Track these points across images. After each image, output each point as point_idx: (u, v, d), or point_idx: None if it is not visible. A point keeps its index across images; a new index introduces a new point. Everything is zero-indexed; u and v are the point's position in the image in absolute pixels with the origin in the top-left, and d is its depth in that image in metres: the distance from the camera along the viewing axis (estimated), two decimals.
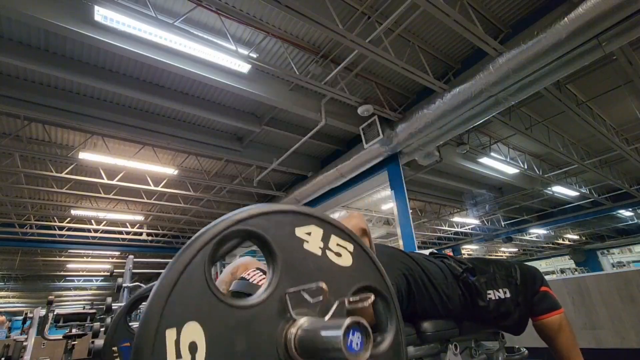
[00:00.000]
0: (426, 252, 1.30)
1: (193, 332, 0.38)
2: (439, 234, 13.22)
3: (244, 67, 3.93)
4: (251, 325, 0.42)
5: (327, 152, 6.51)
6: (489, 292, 1.08)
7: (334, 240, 0.52)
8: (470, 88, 3.77)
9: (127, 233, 10.25)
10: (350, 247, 0.53)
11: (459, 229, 12.38)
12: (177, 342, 0.37)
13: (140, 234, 10.44)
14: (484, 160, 6.39)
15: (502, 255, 19.21)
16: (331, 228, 0.52)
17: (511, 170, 6.91)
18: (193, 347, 0.37)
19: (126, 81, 4.27)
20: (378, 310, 0.55)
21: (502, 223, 11.79)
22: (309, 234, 0.50)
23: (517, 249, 18.56)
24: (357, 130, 4.93)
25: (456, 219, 10.98)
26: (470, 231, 12.94)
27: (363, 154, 5.11)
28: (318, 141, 5.73)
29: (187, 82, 4.50)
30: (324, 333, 0.40)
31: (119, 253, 12.17)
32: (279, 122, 5.44)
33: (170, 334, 0.37)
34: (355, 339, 0.39)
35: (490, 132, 6.20)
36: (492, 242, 14.50)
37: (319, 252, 0.50)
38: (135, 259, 4.36)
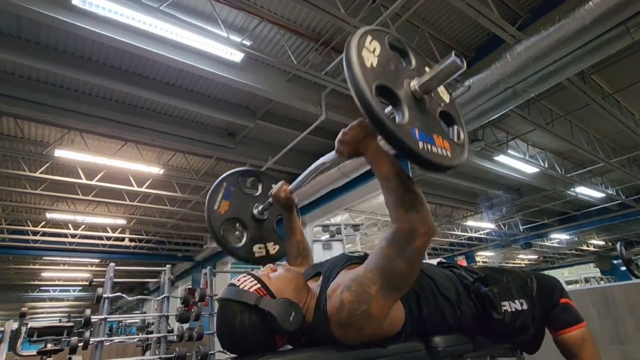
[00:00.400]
0: (434, 261, 1.30)
1: (375, 43, 0.83)
2: (450, 240, 13.23)
3: (237, 56, 3.92)
4: (389, 66, 0.84)
5: (327, 149, 6.39)
6: (503, 303, 1.08)
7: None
8: (485, 79, 3.76)
9: (108, 239, 10.25)
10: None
11: (473, 234, 12.38)
12: (369, 48, 0.81)
13: (122, 239, 10.44)
14: (501, 158, 6.39)
15: (520, 263, 19.22)
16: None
17: (530, 169, 6.91)
18: (373, 49, 0.82)
19: (107, 71, 4.27)
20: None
21: (521, 227, 11.79)
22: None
23: (536, 256, 18.56)
24: None
25: (470, 223, 10.98)
26: (485, 236, 12.94)
27: None
28: (318, 137, 5.72)
29: (174, 73, 4.50)
30: (440, 66, 0.78)
31: (98, 260, 12.17)
32: (275, 117, 5.45)
33: (368, 39, 0.82)
34: (458, 60, 0.76)
35: (508, 127, 6.20)
36: (510, 248, 14.50)
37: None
38: (116, 267, 4.35)
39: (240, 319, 0.83)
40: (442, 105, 0.91)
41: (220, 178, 1.51)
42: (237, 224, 1.50)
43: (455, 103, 0.98)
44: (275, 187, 1.40)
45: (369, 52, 0.81)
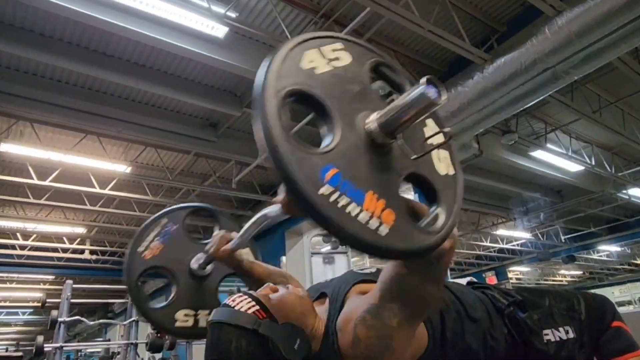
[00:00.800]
0: (463, 281, 1.31)
1: (343, 53, 0.71)
2: (477, 252, 13.23)
3: (220, 31, 3.92)
4: (348, 85, 0.71)
5: None
6: (546, 332, 1.09)
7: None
8: (519, 58, 3.77)
9: (64, 251, 10.25)
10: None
11: (505, 245, 12.37)
12: (325, 52, 0.69)
13: (82, 251, 10.44)
14: (538, 153, 6.40)
15: (561, 280, 19.23)
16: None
17: (574, 167, 6.92)
18: (335, 57, 0.69)
19: (63, 49, 4.27)
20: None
21: (562, 237, 11.80)
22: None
23: (581, 272, 18.56)
24: None
25: (501, 231, 10.97)
26: (519, 248, 12.93)
27: None
28: (317, 129, 5.73)
29: (144, 51, 4.50)
30: (406, 99, 0.63)
31: (53, 277, 12.16)
32: None
33: (335, 45, 0.70)
34: (431, 92, 0.58)
35: (546, 116, 6.20)
36: (549, 262, 14.50)
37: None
38: (75, 285, 4.37)
39: (236, 346, 0.83)
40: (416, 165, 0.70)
41: (161, 212, 1.41)
42: (166, 277, 1.37)
43: (455, 174, 0.77)
44: (210, 242, 1.32)
45: (321, 56, 0.67)
